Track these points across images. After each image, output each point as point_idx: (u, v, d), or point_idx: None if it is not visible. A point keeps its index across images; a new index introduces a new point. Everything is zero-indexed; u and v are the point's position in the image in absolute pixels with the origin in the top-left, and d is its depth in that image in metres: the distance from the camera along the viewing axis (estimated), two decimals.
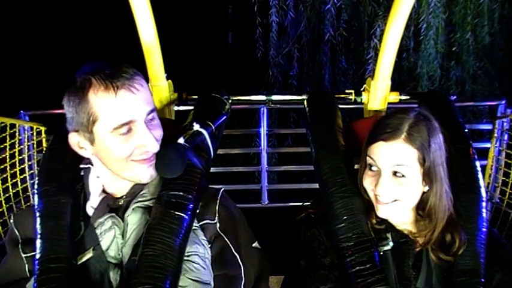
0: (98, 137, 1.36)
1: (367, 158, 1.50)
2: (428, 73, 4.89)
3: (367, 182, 1.51)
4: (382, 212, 1.50)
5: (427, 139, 1.45)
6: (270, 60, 5.10)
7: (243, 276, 1.49)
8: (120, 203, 1.47)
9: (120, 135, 1.34)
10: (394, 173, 1.45)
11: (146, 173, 1.42)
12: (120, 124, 1.32)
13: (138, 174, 1.41)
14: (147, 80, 2.09)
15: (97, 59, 1.40)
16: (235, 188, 3.23)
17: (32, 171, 2.66)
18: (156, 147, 1.38)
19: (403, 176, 1.44)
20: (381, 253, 1.50)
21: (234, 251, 1.49)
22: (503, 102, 2.83)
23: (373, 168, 1.50)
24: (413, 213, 1.55)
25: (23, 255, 1.47)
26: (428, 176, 1.46)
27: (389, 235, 1.52)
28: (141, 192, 1.48)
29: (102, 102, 1.31)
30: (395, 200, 1.47)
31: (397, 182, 1.45)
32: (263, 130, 3.11)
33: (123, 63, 1.37)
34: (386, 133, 1.45)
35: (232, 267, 1.49)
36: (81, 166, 1.55)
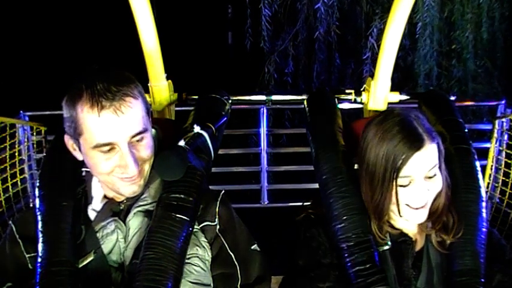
0: (83, 148, 1.38)
1: (400, 181, 1.42)
2: (425, 72, 4.89)
3: (401, 196, 1.45)
4: (417, 217, 1.47)
5: (431, 126, 1.47)
6: (266, 53, 5.11)
7: (239, 276, 1.50)
8: (121, 207, 1.48)
9: (101, 153, 1.34)
10: (426, 177, 1.42)
11: (128, 190, 1.42)
12: (100, 144, 1.32)
13: (120, 189, 1.42)
14: (147, 81, 2.11)
15: (102, 66, 1.39)
16: (235, 188, 3.24)
17: (32, 172, 2.66)
18: (134, 171, 1.37)
19: (434, 175, 1.44)
20: (380, 253, 1.50)
21: (229, 250, 1.49)
22: (503, 102, 2.83)
23: (405, 184, 1.44)
24: None
25: (26, 255, 1.47)
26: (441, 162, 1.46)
27: (387, 235, 1.52)
28: (142, 196, 1.48)
29: (86, 119, 1.31)
30: (425, 204, 1.46)
31: (429, 182, 1.44)
32: (263, 130, 3.11)
33: (119, 78, 1.36)
34: (417, 142, 1.40)
35: (228, 266, 1.49)
36: (83, 169, 1.56)
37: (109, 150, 1.34)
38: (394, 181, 1.42)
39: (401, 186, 1.44)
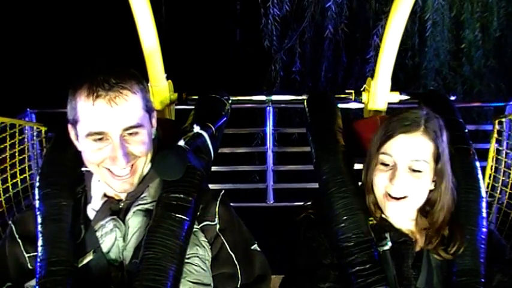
0: (79, 137, 1.40)
1: (381, 156, 1.47)
2: (435, 72, 4.86)
3: (380, 178, 1.48)
4: (391, 209, 1.48)
5: (440, 133, 1.47)
6: (273, 53, 5.10)
7: (239, 275, 1.50)
8: (120, 206, 1.49)
9: (93, 141, 1.36)
10: (410, 168, 1.44)
11: (119, 187, 1.44)
12: (92, 132, 1.34)
13: (109, 183, 1.43)
14: (147, 81, 2.11)
15: (109, 62, 1.42)
16: (241, 187, 3.23)
17: (32, 171, 2.66)
18: (122, 164, 1.37)
19: (419, 171, 1.44)
20: (380, 253, 1.50)
21: (229, 250, 1.50)
22: (511, 103, 2.80)
23: (387, 163, 1.48)
24: (416, 212, 1.55)
25: (26, 255, 1.48)
26: (440, 173, 1.47)
27: (387, 235, 1.52)
28: (142, 196, 1.49)
29: (82, 107, 1.34)
30: (405, 197, 1.46)
31: (413, 176, 1.45)
32: (269, 129, 3.10)
33: (122, 72, 1.38)
34: (406, 126, 1.44)
35: (229, 266, 1.50)
36: (83, 169, 1.56)
37: (101, 140, 1.35)
38: (377, 155, 1.47)
39: (383, 164, 1.47)
